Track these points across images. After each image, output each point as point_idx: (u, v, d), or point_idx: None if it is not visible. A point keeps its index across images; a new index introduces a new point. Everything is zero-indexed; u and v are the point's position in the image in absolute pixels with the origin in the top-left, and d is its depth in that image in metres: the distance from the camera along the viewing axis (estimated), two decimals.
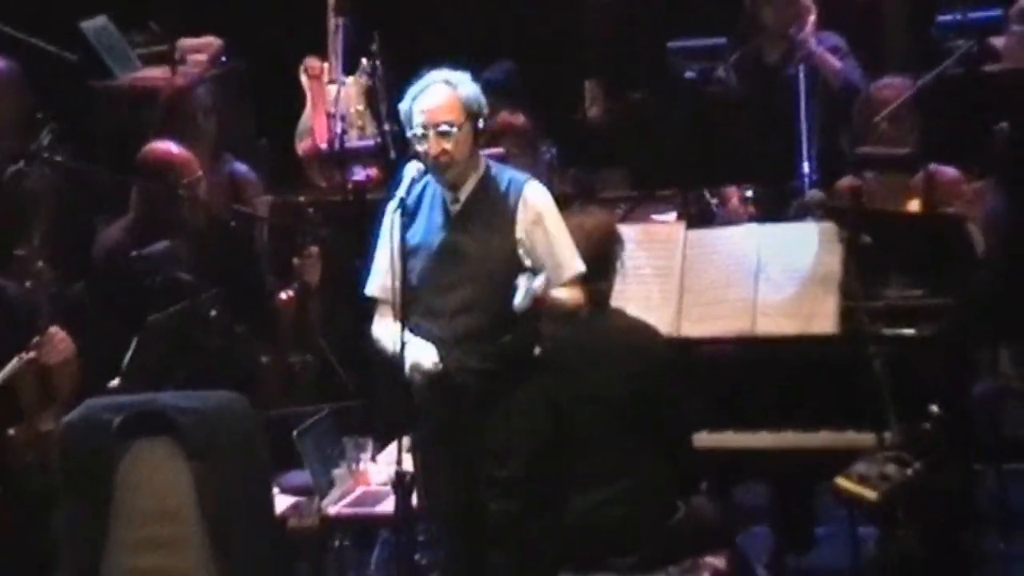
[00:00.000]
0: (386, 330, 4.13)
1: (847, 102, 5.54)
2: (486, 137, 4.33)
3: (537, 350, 4.12)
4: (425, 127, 4.06)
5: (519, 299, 3.99)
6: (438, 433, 4.10)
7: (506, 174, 4.17)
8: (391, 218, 4.13)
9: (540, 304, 4.02)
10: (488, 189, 4.12)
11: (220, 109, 5.89)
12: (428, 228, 4.11)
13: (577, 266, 4.13)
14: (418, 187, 4.13)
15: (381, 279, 4.17)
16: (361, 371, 5.28)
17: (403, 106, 4.14)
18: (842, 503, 4.41)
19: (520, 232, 4.09)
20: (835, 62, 5.68)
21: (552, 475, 4.10)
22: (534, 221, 4.09)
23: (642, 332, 4.24)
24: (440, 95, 4.07)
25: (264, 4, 6.71)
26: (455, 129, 4.04)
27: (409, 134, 4.12)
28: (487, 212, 4.10)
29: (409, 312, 4.12)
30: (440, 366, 4.04)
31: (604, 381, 4.13)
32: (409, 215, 4.10)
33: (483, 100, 4.12)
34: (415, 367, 4.04)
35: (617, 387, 4.12)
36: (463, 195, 4.12)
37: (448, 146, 4.05)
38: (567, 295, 4.12)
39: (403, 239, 4.06)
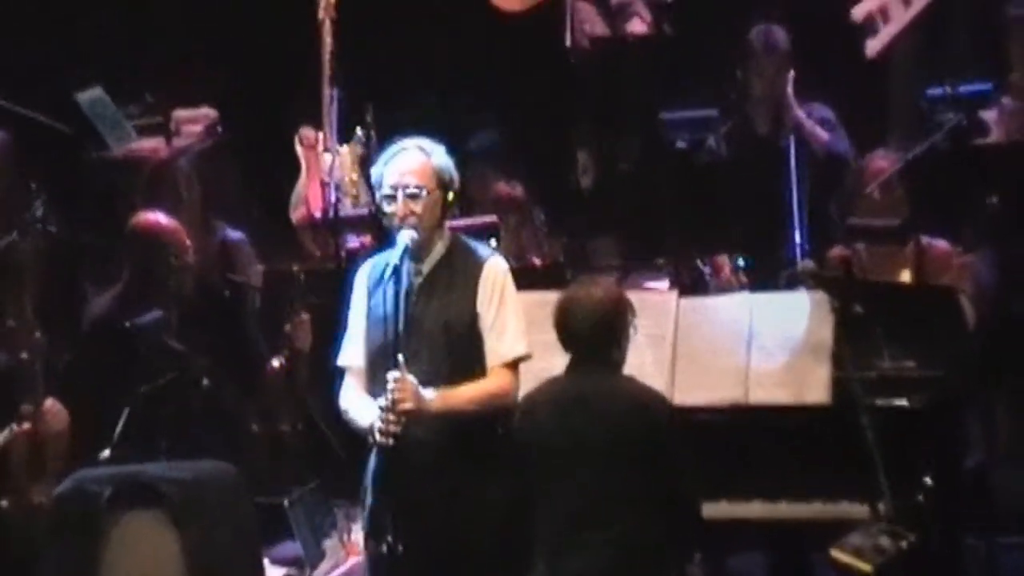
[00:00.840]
0: (355, 399, 4.11)
1: (835, 173, 5.58)
2: (486, 208, 4.31)
3: (500, 429, 4.10)
4: (395, 188, 4.07)
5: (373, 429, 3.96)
6: (397, 513, 4.01)
7: (470, 247, 4.19)
8: (362, 286, 4.14)
9: (409, 415, 3.95)
10: (451, 261, 4.13)
11: (208, 179, 5.92)
12: (394, 299, 4.09)
13: (516, 350, 4.10)
14: (383, 258, 4.13)
15: (351, 349, 4.16)
16: (352, 439, 5.25)
17: (375, 169, 4.16)
18: (837, 575, 4.38)
19: (480, 306, 4.09)
20: (822, 133, 5.72)
21: (519, 549, 4.06)
22: (491, 296, 4.10)
23: (649, 397, 4.21)
24: (413, 159, 4.10)
25: (259, 75, 6.76)
26: (424, 193, 4.06)
27: (379, 196, 4.12)
28: (449, 284, 4.11)
29: (371, 384, 4.09)
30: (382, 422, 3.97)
31: (605, 442, 4.10)
32: (375, 285, 4.10)
33: (455, 174, 4.13)
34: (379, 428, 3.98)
35: (618, 450, 4.10)
36: (426, 267, 4.12)
37: (416, 208, 4.05)
38: (487, 385, 4.06)
39: (395, 307, 4.04)
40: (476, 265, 4.12)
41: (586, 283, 4.27)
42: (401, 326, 4.04)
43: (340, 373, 4.26)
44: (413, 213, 4.05)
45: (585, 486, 4.08)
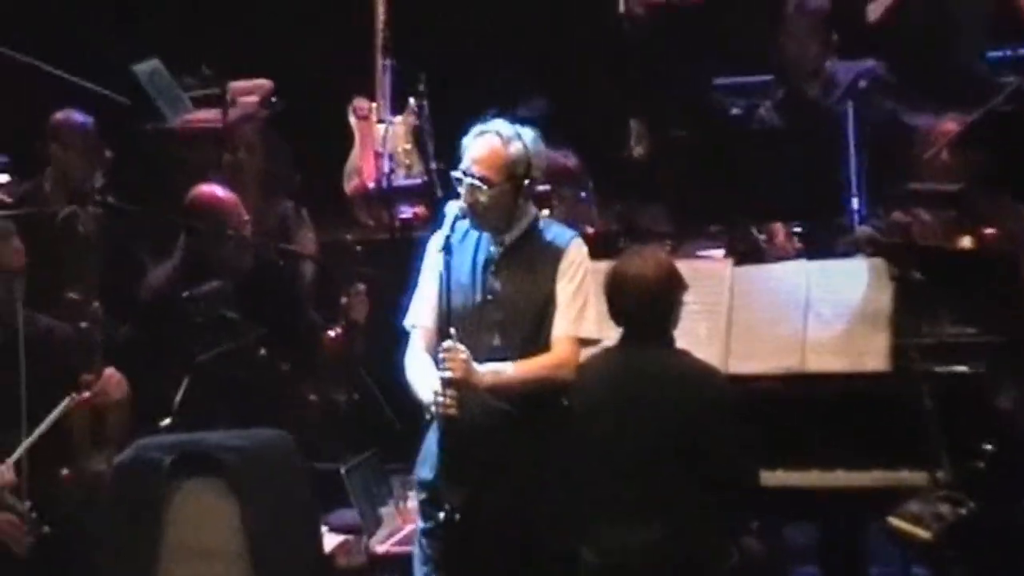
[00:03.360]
0: (417, 359, 4.12)
1: (895, 139, 5.51)
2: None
3: (565, 401, 4.11)
4: (465, 173, 4.10)
5: (429, 402, 3.97)
6: (459, 489, 4.02)
7: (553, 227, 4.20)
8: (436, 253, 4.15)
9: (463, 386, 3.96)
10: (533, 238, 4.14)
11: (269, 149, 5.95)
12: (471, 269, 4.13)
13: (587, 329, 4.10)
14: (462, 225, 4.14)
15: (421, 309, 4.18)
16: (406, 408, 5.28)
17: (465, 141, 4.17)
18: (895, 543, 4.35)
19: (559, 282, 4.10)
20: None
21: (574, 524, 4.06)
22: (571, 274, 4.11)
23: (704, 373, 4.17)
24: (486, 147, 4.10)
25: (313, 46, 6.77)
26: (487, 187, 4.07)
27: (459, 169, 4.15)
28: (529, 259, 4.12)
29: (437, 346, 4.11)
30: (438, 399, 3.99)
31: (661, 419, 4.08)
32: (453, 253, 4.11)
33: (538, 160, 4.12)
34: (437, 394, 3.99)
35: (674, 426, 4.07)
36: (507, 239, 4.14)
37: (481, 198, 4.08)
38: (546, 358, 4.05)
39: (447, 277, 4.06)
40: (559, 244, 4.14)
41: (637, 256, 4.24)
42: (458, 297, 4.06)
43: (397, 343, 4.28)
44: (478, 202, 4.07)
45: (637, 465, 4.08)
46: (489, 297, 4.09)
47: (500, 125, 4.13)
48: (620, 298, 4.16)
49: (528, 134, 4.13)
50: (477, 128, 4.15)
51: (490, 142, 4.11)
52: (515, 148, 4.10)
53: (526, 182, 4.12)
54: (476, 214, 4.10)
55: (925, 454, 4.17)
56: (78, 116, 5.61)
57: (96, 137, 5.60)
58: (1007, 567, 4.36)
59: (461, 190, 4.11)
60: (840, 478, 4.46)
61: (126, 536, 4.41)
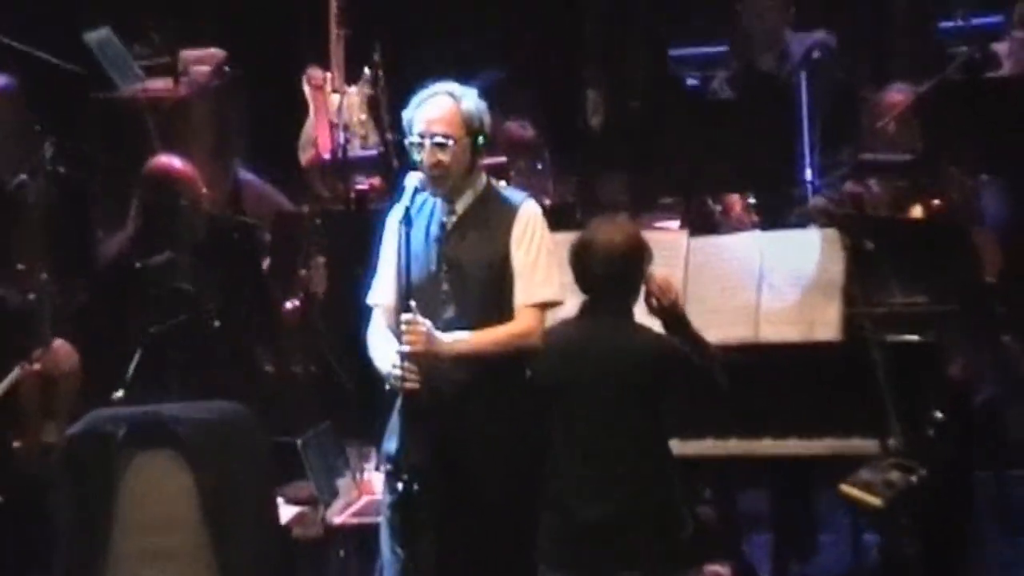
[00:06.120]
0: (380, 336, 4.13)
1: (847, 109, 5.55)
2: (496, 149, 4.25)
3: (528, 372, 4.11)
4: (422, 136, 4.08)
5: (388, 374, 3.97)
6: (423, 455, 4.00)
7: (505, 191, 4.19)
8: (394, 228, 4.13)
9: (425, 358, 3.95)
10: (485, 204, 4.12)
11: (222, 119, 5.90)
12: (424, 239, 4.12)
13: (544, 293, 4.08)
14: (420, 197, 4.14)
15: (381, 287, 4.17)
16: (364, 380, 5.28)
17: (406, 113, 4.15)
18: (847, 510, 4.40)
19: (513, 247, 4.08)
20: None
21: (532, 490, 4.08)
22: (523, 237, 4.09)
23: (661, 345, 4.14)
24: (442, 107, 4.08)
25: (266, 15, 6.72)
26: (451, 142, 4.05)
27: (407, 142, 4.14)
28: (482, 226, 4.10)
29: (397, 323, 4.09)
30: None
31: (622, 391, 4.06)
32: (412, 224, 4.09)
33: (487, 118, 4.12)
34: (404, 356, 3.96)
35: (635, 396, 4.06)
36: (460, 207, 4.12)
37: (444, 158, 4.05)
38: (509, 327, 4.05)
39: (407, 249, 4.05)
40: (511, 207, 4.11)
41: (606, 224, 4.21)
42: (414, 268, 4.02)
43: (354, 314, 4.26)
44: (440, 163, 4.05)
45: (594, 435, 4.07)
46: (443, 267, 4.08)
47: (444, 85, 4.11)
48: (587, 266, 4.14)
49: (471, 92, 4.13)
50: (421, 94, 4.13)
51: (444, 101, 4.09)
52: (468, 102, 4.10)
53: (480, 139, 4.10)
54: (438, 176, 4.07)
55: (876, 422, 4.21)
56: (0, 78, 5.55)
57: (22, 99, 5.51)
58: (956, 534, 4.42)
59: (420, 155, 4.07)
60: (793, 446, 4.50)
61: (79, 508, 4.39)
